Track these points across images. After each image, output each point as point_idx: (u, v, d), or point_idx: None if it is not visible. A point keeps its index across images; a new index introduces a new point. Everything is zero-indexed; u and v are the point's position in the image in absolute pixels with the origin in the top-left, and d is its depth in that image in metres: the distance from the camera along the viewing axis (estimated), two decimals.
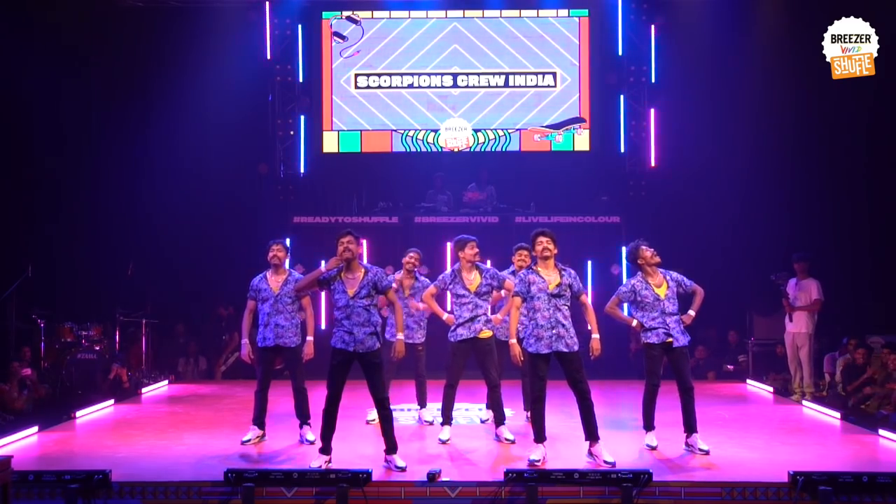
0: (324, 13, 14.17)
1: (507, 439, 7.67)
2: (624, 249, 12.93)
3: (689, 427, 7.30)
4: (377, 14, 14.16)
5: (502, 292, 7.96)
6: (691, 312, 7.41)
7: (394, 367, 8.17)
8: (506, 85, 14.04)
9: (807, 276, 10.63)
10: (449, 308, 7.90)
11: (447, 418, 7.84)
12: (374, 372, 6.68)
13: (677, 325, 7.30)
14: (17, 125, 11.67)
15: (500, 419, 7.87)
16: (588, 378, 6.87)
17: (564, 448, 7.23)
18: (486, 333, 7.72)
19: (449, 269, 8.03)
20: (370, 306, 6.68)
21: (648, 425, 7.48)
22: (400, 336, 6.96)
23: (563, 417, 8.06)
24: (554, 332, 6.74)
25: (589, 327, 7.03)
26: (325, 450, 6.69)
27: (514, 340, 6.99)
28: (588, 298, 7.20)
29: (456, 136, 13.77)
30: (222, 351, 12.81)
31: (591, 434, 6.84)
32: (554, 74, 14.02)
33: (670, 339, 7.25)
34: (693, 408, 7.29)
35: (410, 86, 14.08)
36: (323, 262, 12.33)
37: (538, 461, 6.70)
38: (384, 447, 6.71)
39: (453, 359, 7.74)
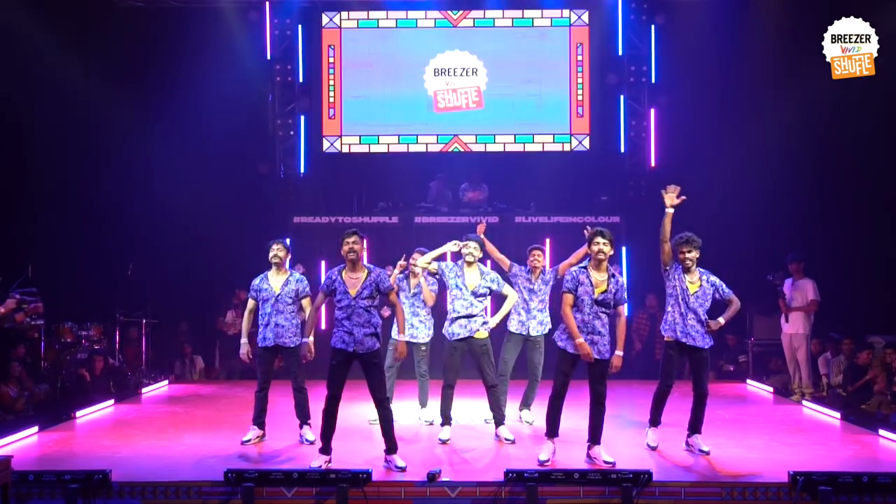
0: (324, 13, 14.17)
1: (506, 439, 7.68)
2: (624, 249, 12.97)
3: (693, 428, 7.31)
4: (377, 14, 14.15)
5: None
6: (720, 320, 7.29)
7: (396, 367, 8.18)
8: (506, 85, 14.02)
9: (803, 276, 10.62)
10: (449, 302, 7.89)
11: (446, 418, 7.85)
12: (374, 372, 6.70)
13: (698, 325, 7.22)
14: (17, 125, 11.65)
15: (499, 419, 7.88)
16: None
17: (564, 448, 7.21)
18: (482, 335, 7.74)
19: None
20: (371, 307, 6.69)
21: (654, 421, 7.48)
22: (402, 337, 6.98)
23: (564, 415, 8.02)
24: (589, 337, 6.73)
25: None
26: (325, 450, 6.70)
27: (580, 340, 6.69)
28: (625, 310, 7.14)
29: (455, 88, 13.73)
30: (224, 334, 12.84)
31: (595, 437, 6.87)
32: (554, 74, 14.00)
33: (684, 341, 7.23)
34: (702, 412, 7.29)
35: (410, 86, 14.06)
36: (323, 263, 12.56)
37: (547, 461, 6.72)
38: (384, 447, 6.72)
39: (449, 358, 7.76)
